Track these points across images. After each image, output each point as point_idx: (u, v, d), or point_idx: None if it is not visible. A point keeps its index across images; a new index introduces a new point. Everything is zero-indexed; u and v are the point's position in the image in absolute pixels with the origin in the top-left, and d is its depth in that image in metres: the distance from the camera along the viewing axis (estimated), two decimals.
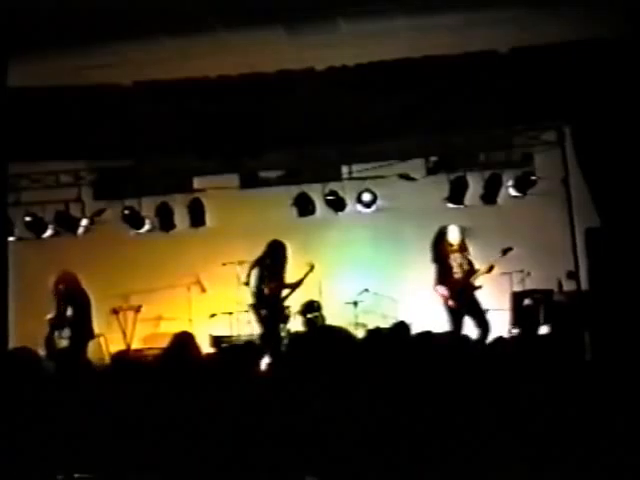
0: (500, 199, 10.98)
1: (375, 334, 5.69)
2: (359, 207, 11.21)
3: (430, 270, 10.64)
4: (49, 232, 11.44)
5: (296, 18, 8.62)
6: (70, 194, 11.50)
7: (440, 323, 8.92)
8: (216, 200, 11.38)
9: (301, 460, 3.90)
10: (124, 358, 9.47)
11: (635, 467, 3.72)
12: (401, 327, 5.72)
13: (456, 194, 10.92)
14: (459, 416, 3.96)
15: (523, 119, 9.16)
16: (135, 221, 11.46)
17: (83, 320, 9.65)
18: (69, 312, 9.59)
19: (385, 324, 9.54)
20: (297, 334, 9.54)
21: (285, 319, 10.30)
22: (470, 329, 9.15)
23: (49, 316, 9.67)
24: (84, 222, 11.47)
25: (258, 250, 10.36)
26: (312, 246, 10.40)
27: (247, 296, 10.29)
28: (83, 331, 9.63)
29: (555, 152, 10.48)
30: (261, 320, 9.62)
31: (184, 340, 5.28)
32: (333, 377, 4.24)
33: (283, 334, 10.05)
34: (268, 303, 9.59)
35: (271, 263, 9.65)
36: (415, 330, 5.42)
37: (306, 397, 4.11)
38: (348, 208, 11.27)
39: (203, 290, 10.75)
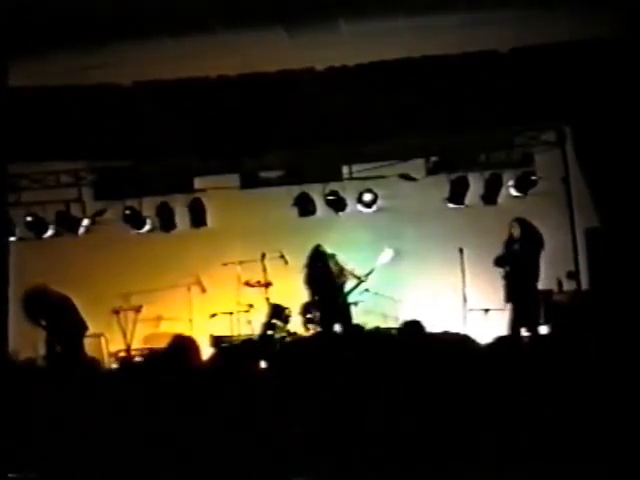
0: (500, 199, 10.96)
1: (373, 334, 5.71)
2: (359, 207, 11.20)
3: (430, 270, 10.67)
4: (50, 232, 11.43)
5: (296, 18, 8.63)
6: (70, 194, 11.49)
7: (440, 323, 8.92)
8: (216, 200, 11.38)
9: (288, 461, 3.92)
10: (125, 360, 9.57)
11: (635, 466, 3.73)
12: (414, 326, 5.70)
13: (456, 194, 10.91)
14: (458, 416, 3.97)
15: (523, 119, 9.16)
16: (136, 221, 11.45)
17: (67, 321, 9.64)
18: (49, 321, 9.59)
19: (385, 324, 9.57)
20: (295, 338, 9.58)
21: (286, 319, 10.32)
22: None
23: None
24: (85, 222, 11.46)
25: (258, 250, 10.37)
26: (312, 246, 10.39)
27: (248, 296, 10.37)
28: (73, 329, 9.63)
29: (555, 152, 10.48)
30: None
31: (183, 344, 5.28)
32: (331, 378, 4.24)
33: (283, 334, 10.07)
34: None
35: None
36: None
37: (300, 399, 4.13)
38: (348, 208, 11.26)
39: (203, 290, 10.74)
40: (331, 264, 10.00)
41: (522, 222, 9.38)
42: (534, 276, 9.28)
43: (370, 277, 10.26)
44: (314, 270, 9.87)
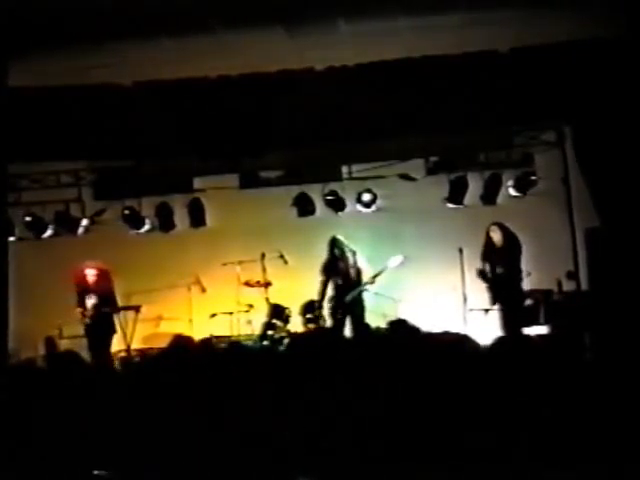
0: (500, 199, 10.97)
1: (370, 333, 5.70)
2: (359, 207, 11.21)
3: (430, 270, 10.67)
4: (49, 232, 11.43)
5: (296, 18, 8.62)
6: (70, 194, 11.49)
7: (440, 323, 8.92)
8: (216, 200, 11.38)
9: (294, 461, 3.91)
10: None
11: (635, 466, 3.73)
12: (399, 325, 5.72)
13: (456, 194, 10.91)
14: (458, 415, 3.96)
15: (523, 119, 9.15)
16: (135, 221, 11.46)
17: (111, 316, 9.75)
18: (92, 302, 9.65)
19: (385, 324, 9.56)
20: (296, 335, 9.55)
21: (286, 319, 10.31)
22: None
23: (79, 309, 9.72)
24: (84, 222, 11.46)
25: (258, 250, 10.37)
26: (312, 246, 10.39)
27: (248, 296, 10.38)
28: (110, 326, 9.73)
29: (555, 152, 10.48)
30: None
31: (183, 344, 5.27)
32: (330, 377, 4.24)
33: (282, 334, 10.07)
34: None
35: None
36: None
37: (301, 398, 4.12)
38: (348, 208, 11.27)
39: (203, 290, 10.73)
40: (349, 255, 9.97)
41: (502, 227, 9.45)
42: (518, 279, 9.32)
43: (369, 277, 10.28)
44: (332, 257, 9.90)
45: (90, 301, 9.67)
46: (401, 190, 11.05)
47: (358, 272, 9.88)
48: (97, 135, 8.81)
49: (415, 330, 5.21)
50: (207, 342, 7.00)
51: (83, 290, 9.75)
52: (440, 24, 8.66)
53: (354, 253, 9.95)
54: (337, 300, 9.86)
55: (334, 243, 9.92)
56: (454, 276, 10.08)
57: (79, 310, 9.72)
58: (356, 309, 9.83)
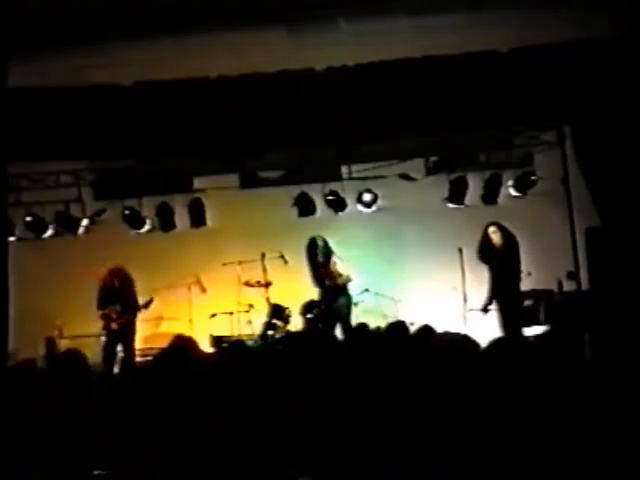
0: (500, 199, 10.98)
1: (370, 333, 5.70)
2: (359, 207, 11.21)
3: (430, 270, 10.67)
4: (49, 232, 11.42)
5: (297, 18, 8.62)
6: (70, 194, 11.49)
7: (440, 323, 8.91)
8: (216, 200, 11.38)
9: (295, 460, 3.91)
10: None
11: (634, 467, 3.73)
12: (399, 327, 5.73)
13: (456, 194, 10.92)
14: (457, 415, 3.97)
15: (523, 119, 9.16)
16: (135, 221, 11.45)
17: (134, 320, 9.78)
18: (118, 309, 9.67)
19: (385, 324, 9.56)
20: (293, 334, 9.56)
21: (286, 319, 10.32)
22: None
23: (100, 312, 9.76)
24: (84, 222, 11.46)
25: (258, 250, 10.38)
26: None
27: (248, 296, 10.39)
28: (134, 329, 9.77)
29: (555, 152, 10.48)
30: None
31: (183, 343, 5.28)
32: (328, 377, 4.25)
33: (283, 334, 10.07)
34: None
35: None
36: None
37: (301, 397, 4.13)
38: (348, 208, 11.27)
39: (203, 290, 10.73)
40: (319, 256, 10.04)
41: (501, 227, 9.46)
42: (517, 279, 9.33)
43: (370, 277, 10.29)
44: (310, 262, 9.98)
45: (116, 307, 9.69)
46: (401, 190, 11.05)
47: (333, 273, 10.00)
48: (97, 135, 8.80)
49: (428, 329, 5.23)
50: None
51: (106, 294, 9.75)
52: (440, 24, 8.66)
53: (327, 254, 10.01)
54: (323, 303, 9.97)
55: (310, 246, 10.02)
56: (454, 276, 10.09)
57: (101, 312, 9.74)
58: (342, 311, 9.88)
